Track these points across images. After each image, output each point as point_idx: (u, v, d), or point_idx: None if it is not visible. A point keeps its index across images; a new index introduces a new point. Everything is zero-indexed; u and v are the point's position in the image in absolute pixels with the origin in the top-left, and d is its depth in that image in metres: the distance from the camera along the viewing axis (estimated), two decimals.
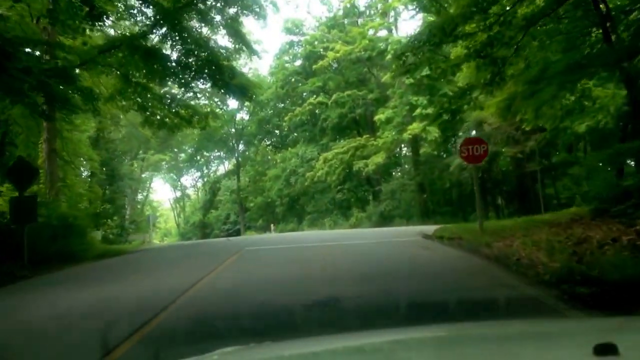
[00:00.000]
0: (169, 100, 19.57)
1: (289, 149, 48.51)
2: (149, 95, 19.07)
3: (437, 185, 37.56)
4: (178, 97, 20.20)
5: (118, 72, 17.95)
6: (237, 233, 58.31)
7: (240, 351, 1.96)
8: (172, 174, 66.64)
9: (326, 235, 22.08)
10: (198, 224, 68.12)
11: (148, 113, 19.36)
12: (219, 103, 61.10)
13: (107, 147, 34.04)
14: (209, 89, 24.15)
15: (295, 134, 51.75)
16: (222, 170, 67.86)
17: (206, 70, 18.02)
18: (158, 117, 19.87)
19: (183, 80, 18.18)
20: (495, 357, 1.58)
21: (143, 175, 44.57)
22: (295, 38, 50.20)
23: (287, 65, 48.76)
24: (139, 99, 19.12)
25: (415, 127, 32.49)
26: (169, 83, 19.85)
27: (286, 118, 45.32)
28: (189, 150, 62.69)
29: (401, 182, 39.14)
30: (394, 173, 48.19)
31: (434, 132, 32.34)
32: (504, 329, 2.14)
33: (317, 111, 46.91)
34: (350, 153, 38.66)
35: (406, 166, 45.59)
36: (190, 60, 17.96)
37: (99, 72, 17.86)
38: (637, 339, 1.64)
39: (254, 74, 58.04)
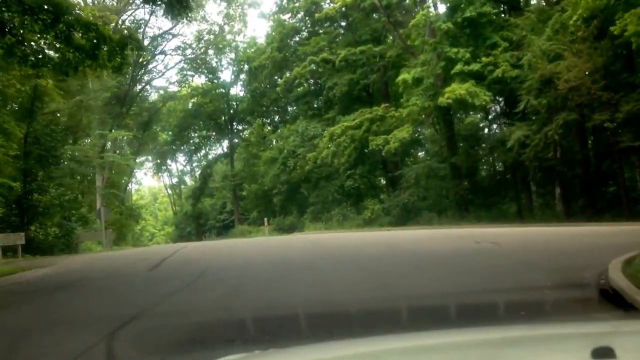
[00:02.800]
0: (51, 16, 10.77)
1: (287, 125, 39.61)
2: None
3: (480, 169, 28.65)
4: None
5: None
6: (232, 225, 50.02)
7: (245, 359, 1.91)
8: (152, 159, 57.70)
9: (334, 243, 13.59)
10: (191, 213, 59.83)
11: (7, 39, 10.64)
12: (209, 75, 52.79)
13: (43, 121, 25.41)
14: None
15: (294, 108, 42.96)
16: (214, 154, 59.27)
17: None
18: (32, 46, 11.28)
19: None
20: None
21: (110, 159, 35.61)
22: None
23: (284, 21, 39.68)
24: None
25: (454, 90, 23.53)
26: None
27: (281, 82, 36.29)
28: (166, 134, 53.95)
29: (429, 166, 30.22)
30: (417, 154, 39.41)
31: (483, 96, 23.38)
32: (503, 333, 2.10)
33: (320, 80, 37.97)
34: (365, 127, 29.75)
35: (426, 145, 36.65)
36: None
37: None
38: (634, 342, 1.64)
39: (250, 42, 49.48)
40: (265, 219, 35.53)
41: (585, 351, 1.34)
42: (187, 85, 52.73)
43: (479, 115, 25.97)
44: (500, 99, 25.52)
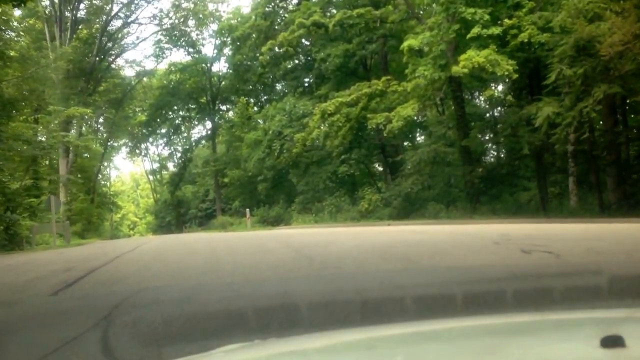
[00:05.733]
0: None
1: (274, 103, 36.29)
2: None
3: (496, 153, 25.51)
4: None
5: None
6: (215, 214, 46.96)
7: (245, 348, 1.91)
8: (129, 141, 54.18)
9: (329, 252, 10.43)
10: (170, 202, 56.80)
11: None
12: (189, 49, 49.31)
13: None
14: None
15: (282, 85, 39.64)
16: (196, 136, 56.00)
17: None
18: None
19: None
20: (500, 349, 1.57)
21: (66, 139, 32.04)
22: None
23: None
24: None
25: (472, 57, 20.32)
26: None
27: (264, 48, 32.83)
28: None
29: (434, 150, 27.08)
30: (416, 140, 36.36)
31: (506, 65, 20.18)
32: (510, 320, 2.12)
33: (311, 52, 34.59)
34: (362, 104, 26.48)
35: (430, 129, 33.52)
36: None
37: None
38: None
39: (235, 13, 46.09)
40: (248, 210, 32.30)
41: (595, 339, 1.32)
42: (164, 59, 49.35)
43: (499, 88, 22.62)
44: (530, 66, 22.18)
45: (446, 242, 11.04)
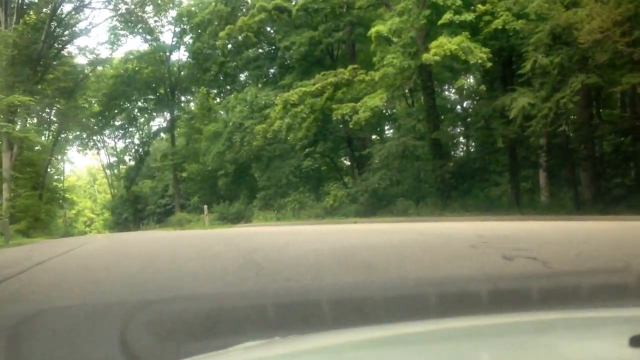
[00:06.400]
0: None
1: (235, 94, 34.93)
2: None
3: (467, 147, 24.64)
4: None
5: None
6: (172, 211, 45.39)
7: (265, 345, 1.89)
8: (83, 134, 52.03)
9: (283, 258, 9.32)
10: (127, 197, 54.95)
11: None
12: (146, 36, 47.52)
13: None
14: None
15: (245, 75, 38.30)
16: (156, 127, 54.24)
17: None
18: None
19: None
20: (526, 347, 1.56)
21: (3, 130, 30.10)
22: None
23: None
24: None
25: (443, 44, 19.35)
26: None
27: (222, 34, 31.42)
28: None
29: (403, 143, 26.12)
30: (385, 134, 35.49)
31: (479, 52, 19.28)
32: (537, 318, 2.10)
33: (274, 39, 33.32)
34: (327, 94, 25.34)
35: (398, 122, 32.62)
36: None
37: None
38: None
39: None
40: (205, 207, 30.90)
41: (624, 338, 1.30)
42: (119, 47, 47.48)
43: (471, 80, 21.68)
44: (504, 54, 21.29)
45: (416, 244, 9.97)
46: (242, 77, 40.47)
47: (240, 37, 33.12)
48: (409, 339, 1.78)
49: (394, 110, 34.47)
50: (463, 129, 26.05)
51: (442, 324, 2.01)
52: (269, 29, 34.25)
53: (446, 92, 31.36)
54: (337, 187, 26.88)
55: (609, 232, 12.58)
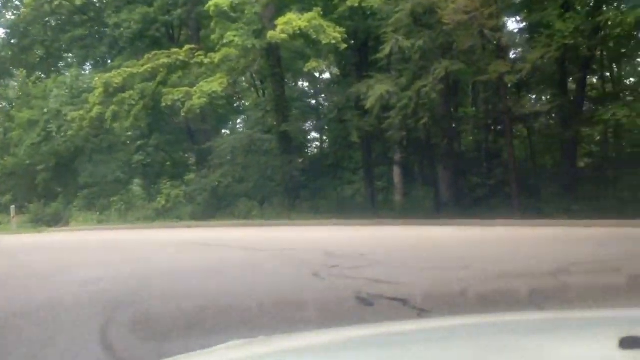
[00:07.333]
0: None
1: (53, 77, 30.19)
2: None
3: (320, 141, 22.27)
4: None
5: None
6: None
7: (249, 344, 1.87)
8: None
9: None
10: None
11: None
12: None
13: None
14: None
15: (70, 56, 33.51)
16: None
17: None
18: None
19: None
20: (516, 347, 1.54)
21: None
22: None
23: None
24: None
25: (292, 21, 16.72)
26: None
27: (27, 1, 26.75)
28: None
29: (249, 137, 23.39)
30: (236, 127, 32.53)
31: (333, 32, 16.87)
32: (526, 318, 2.10)
33: (104, 16, 29.06)
34: (160, 78, 21.85)
35: (246, 115, 29.88)
36: None
37: None
38: None
39: None
40: (12, 207, 26.05)
41: (613, 340, 1.30)
42: None
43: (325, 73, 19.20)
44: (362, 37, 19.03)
45: (240, 271, 7.04)
46: (71, 59, 35.59)
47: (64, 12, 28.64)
48: (393, 339, 1.74)
49: (244, 102, 31.78)
50: (316, 120, 23.71)
51: (430, 324, 2.04)
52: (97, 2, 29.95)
53: (301, 83, 29.05)
54: (170, 186, 23.38)
55: (478, 242, 10.57)
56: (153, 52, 22.03)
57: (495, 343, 1.61)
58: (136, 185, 25.29)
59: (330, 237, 11.92)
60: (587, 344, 1.53)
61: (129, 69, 21.61)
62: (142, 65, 21.52)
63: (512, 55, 17.61)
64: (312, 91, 25.33)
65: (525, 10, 17.77)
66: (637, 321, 1.77)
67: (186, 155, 31.03)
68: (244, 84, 29.67)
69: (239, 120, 33.77)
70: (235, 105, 32.59)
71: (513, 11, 17.73)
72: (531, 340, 1.59)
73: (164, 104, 20.73)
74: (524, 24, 18.35)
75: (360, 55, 19.75)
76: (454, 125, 17.92)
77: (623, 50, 19.48)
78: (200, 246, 10.60)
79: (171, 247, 10.74)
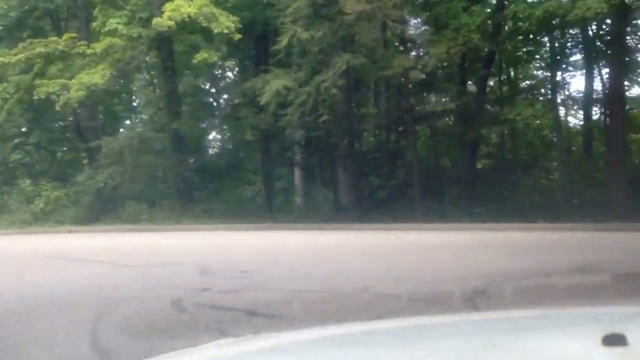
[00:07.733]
0: None
1: None
2: None
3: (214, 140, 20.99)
4: None
5: None
6: None
7: (237, 343, 1.84)
8: None
9: None
10: None
11: None
12: None
13: None
14: None
15: None
16: None
17: None
18: None
19: None
20: (497, 346, 1.51)
21: None
22: None
23: None
24: None
25: (180, 7, 15.42)
26: None
27: None
28: None
29: (140, 135, 21.88)
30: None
31: (226, 21, 15.72)
32: (508, 316, 2.11)
33: None
34: (37, 69, 19.88)
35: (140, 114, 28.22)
36: None
37: None
38: None
39: None
40: None
41: (596, 338, 1.30)
42: None
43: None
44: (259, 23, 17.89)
45: (70, 301, 5.65)
46: None
47: None
48: (382, 337, 1.74)
49: (139, 100, 29.94)
50: (212, 117, 22.45)
51: (415, 321, 1.99)
52: None
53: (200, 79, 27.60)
54: (51, 187, 21.41)
55: (384, 253, 9.72)
56: (29, 41, 19.97)
57: (475, 341, 1.58)
58: (10, 186, 23.14)
59: (218, 244, 10.74)
60: (570, 341, 1.51)
61: (1, 59, 19.48)
62: (15, 55, 19.44)
63: (415, 53, 17.10)
64: (207, 87, 24.00)
65: (431, 2, 17.14)
66: (620, 318, 1.74)
67: (82, 155, 28.86)
68: (142, 80, 27.90)
69: (137, 120, 31.95)
70: (134, 103, 30.73)
71: (418, 3, 17.10)
72: (512, 338, 1.59)
73: (36, 97, 18.79)
74: (428, 14, 17.64)
75: (258, 48, 18.68)
76: (355, 124, 17.18)
77: (519, 54, 19.48)
78: (52, 259, 8.97)
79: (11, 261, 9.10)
